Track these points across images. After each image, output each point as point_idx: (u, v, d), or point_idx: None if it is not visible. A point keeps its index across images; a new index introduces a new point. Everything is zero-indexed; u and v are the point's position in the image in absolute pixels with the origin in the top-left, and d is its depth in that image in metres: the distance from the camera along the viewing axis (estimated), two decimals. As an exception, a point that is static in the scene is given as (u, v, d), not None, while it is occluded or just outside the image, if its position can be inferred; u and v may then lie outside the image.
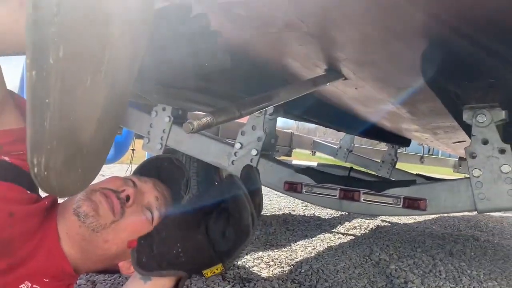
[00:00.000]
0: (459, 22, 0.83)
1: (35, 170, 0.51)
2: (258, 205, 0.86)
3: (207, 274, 0.79)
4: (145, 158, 3.75)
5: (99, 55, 0.58)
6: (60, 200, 1.01)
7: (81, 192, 0.94)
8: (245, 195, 0.80)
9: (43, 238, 0.89)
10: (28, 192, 0.91)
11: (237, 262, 2.23)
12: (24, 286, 0.82)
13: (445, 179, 1.74)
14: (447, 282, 2.21)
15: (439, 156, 7.89)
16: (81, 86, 0.55)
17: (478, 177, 1.41)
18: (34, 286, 0.84)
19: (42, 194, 0.91)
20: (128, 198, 0.96)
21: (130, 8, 0.63)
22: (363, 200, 1.61)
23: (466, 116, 1.39)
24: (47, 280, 0.87)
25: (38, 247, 0.87)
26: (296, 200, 4.85)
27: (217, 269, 0.78)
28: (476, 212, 1.43)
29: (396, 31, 0.97)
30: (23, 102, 0.93)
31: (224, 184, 0.85)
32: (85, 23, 0.55)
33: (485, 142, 1.37)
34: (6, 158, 0.89)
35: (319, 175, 1.74)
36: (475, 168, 1.40)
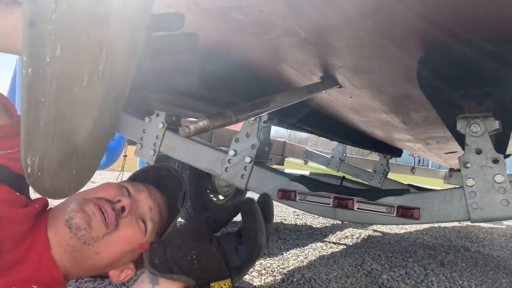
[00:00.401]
0: (456, 28, 0.83)
1: (29, 170, 0.50)
2: (268, 234, 0.87)
3: (214, 287, 0.78)
4: (137, 164, 3.72)
5: (97, 55, 0.57)
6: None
7: (74, 200, 0.92)
8: (262, 217, 0.82)
9: (33, 244, 0.87)
10: (17, 193, 0.89)
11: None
12: None
13: (438, 189, 1.74)
14: (439, 292, 2.21)
15: (429, 167, 7.95)
16: (77, 85, 0.54)
17: (471, 186, 1.41)
18: None
19: (33, 195, 0.89)
20: (123, 209, 0.94)
21: (128, 8, 0.62)
22: (357, 208, 1.60)
23: (460, 126, 1.39)
24: (36, 286, 0.85)
25: (27, 253, 0.85)
26: (288, 209, 4.84)
27: (224, 284, 0.79)
28: (466, 223, 1.44)
29: (392, 38, 0.97)
30: (6, 100, 0.91)
31: (241, 203, 0.86)
32: (83, 22, 0.54)
33: (478, 152, 1.37)
34: None
35: (313, 183, 1.73)
36: (469, 178, 1.41)
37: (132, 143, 2.86)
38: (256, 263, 2.35)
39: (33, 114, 0.49)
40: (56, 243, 0.90)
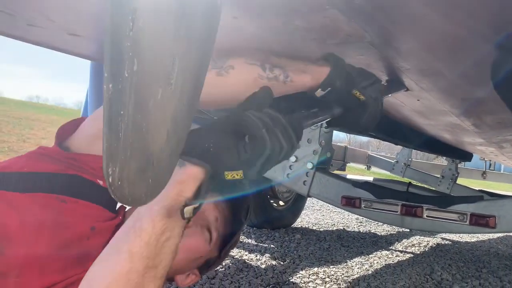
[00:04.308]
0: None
1: (110, 179, 0.53)
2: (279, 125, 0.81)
3: (227, 176, 0.78)
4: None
5: (170, 68, 0.59)
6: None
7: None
8: (254, 115, 0.80)
9: None
10: (106, 210, 0.98)
11: (291, 277, 2.20)
12: None
13: (516, 196, 1.63)
14: (519, 306, 2.06)
15: (502, 171, 7.46)
16: (152, 98, 0.56)
17: (555, 193, 1.31)
18: None
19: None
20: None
21: (197, 21, 0.64)
22: (426, 216, 1.54)
23: (540, 128, 1.30)
24: None
25: None
26: (350, 215, 4.74)
27: (237, 175, 0.78)
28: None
29: (464, 37, 0.93)
30: None
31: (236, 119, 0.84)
32: (157, 37, 0.56)
33: (562, 155, 1.27)
34: (101, 182, 0.97)
35: (378, 190, 1.69)
36: (552, 184, 1.30)
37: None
38: (320, 270, 2.32)
39: (113, 127, 0.52)
40: None
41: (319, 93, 1.03)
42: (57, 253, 0.83)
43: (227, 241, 1.10)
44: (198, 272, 1.12)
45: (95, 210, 0.95)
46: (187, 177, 0.76)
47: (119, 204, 1.04)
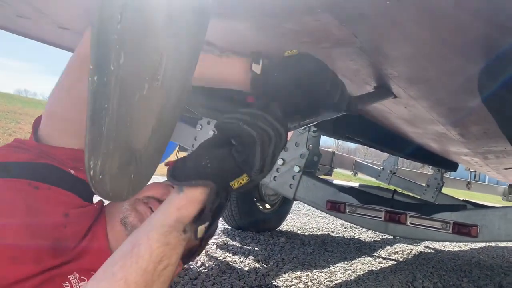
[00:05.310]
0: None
1: (91, 173, 0.52)
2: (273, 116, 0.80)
3: (234, 185, 0.77)
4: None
5: (157, 64, 0.58)
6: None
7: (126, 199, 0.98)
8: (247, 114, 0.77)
9: (94, 238, 0.94)
10: (81, 199, 0.97)
11: (274, 280, 2.20)
12: (72, 277, 0.86)
13: (498, 207, 1.65)
14: (497, 316, 2.08)
15: (486, 182, 7.55)
16: (138, 93, 0.56)
17: (536, 205, 1.32)
18: (82, 277, 0.86)
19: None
20: None
21: (186, 20, 0.64)
22: (410, 223, 1.55)
23: (524, 140, 1.31)
24: (94, 273, 0.90)
25: (88, 248, 0.92)
26: (336, 221, 4.75)
27: (242, 180, 0.76)
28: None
29: (452, 46, 0.94)
30: None
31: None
32: (145, 32, 0.56)
33: (545, 168, 1.29)
34: (72, 172, 0.96)
35: (363, 195, 1.69)
36: (534, 196, 1.32)
37: (183, 149, 2.93)
38: (303, 274, 2.32)
39: (97, 120, 0.51)
40: (113, 239, 0.98)
41: (256, 67, 0.96)
42: (31, 240, 0.81)
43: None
44: (181, 261, 1.12)
45: (68, 197, 0.94)
46: (186, 202, 0.75)
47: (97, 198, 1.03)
